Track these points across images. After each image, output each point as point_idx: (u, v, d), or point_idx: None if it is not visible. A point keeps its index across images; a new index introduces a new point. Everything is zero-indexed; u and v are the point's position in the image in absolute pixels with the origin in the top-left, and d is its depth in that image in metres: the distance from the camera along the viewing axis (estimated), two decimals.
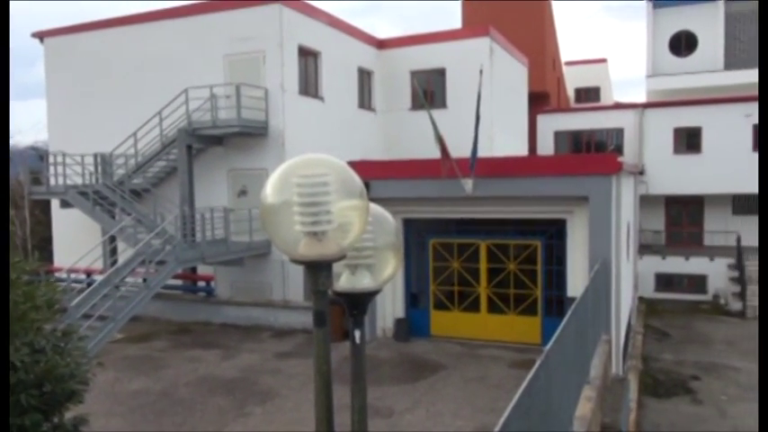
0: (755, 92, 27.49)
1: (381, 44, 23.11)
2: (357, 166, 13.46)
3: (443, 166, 12.90)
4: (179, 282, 18.13)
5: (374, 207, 2.81)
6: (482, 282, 14.85)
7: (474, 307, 15.01)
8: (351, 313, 2.83)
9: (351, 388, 2.88)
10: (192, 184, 17.68)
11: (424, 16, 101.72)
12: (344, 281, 2.81)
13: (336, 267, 2.72)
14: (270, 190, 2.45)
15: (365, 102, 22.43)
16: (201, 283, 18.49)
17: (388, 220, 2.86)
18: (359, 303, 2.82)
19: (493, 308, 14.87)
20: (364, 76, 22.34)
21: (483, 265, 14.81)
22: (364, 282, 2.79)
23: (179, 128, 17.18)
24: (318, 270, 2.48)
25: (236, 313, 17.14)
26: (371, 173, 14.48)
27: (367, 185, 11.40)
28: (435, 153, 13.49)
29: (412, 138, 20.92)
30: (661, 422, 13.76)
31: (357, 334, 2.82)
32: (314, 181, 2.42)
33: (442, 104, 22.10)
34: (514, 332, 14.45)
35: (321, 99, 19.57)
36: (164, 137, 17.51)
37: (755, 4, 30.54)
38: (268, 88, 17.66)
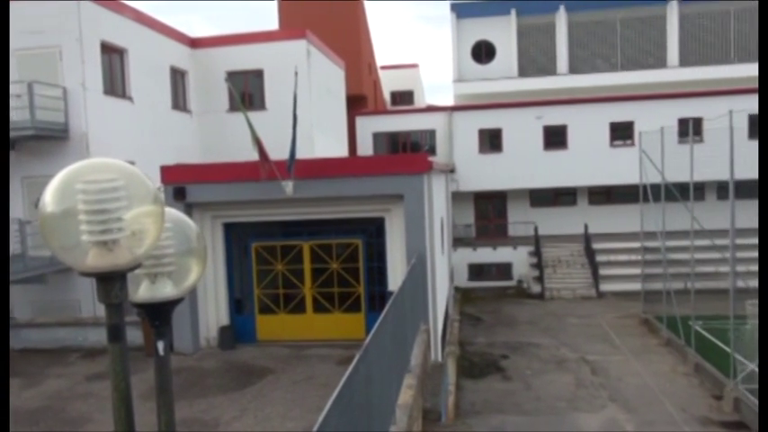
0: (545, 97, 30.90)
1: (195, 43, 22.25)
2: (172, 170, 12.93)
3: (262, 169, 12.78)
4: None
5: (173, 212, 2.71)
6: (306, 283, 14.95)
7: (300, 308, 15.06)
8: (152, 324, 2.70)
9: (156, 402, 2.76)
10: None
11: (242, 14, 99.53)
12: (144, 291, 2.67)
13: (136, 278, 2.59)
14: (49, 198, 2.25)
15: (179, 103, 21.45)
16: None
17: (188, 225, 2.77)
18: (161, 313, 2.71)
19: (318, 308, 15.03)
20: (177, 76, 21.35)
21: (307, 266, 14.91)
22: (165, 290, 2.68)
23: None
24: (110, 281, 2.33)
25: (39, 336, 15.46)
26: (188, 177, 13.92)
27: (183, 190, 11.06)
28: (256, 155, 13.32)
29: (231, 140, 20.42)
30: (476, 401, 14.92)
31: (160, 345, 2.70)
32: (101, 187, 2.26)
33: (261, 106, 21.86)
34: (340, 330, 14.73)
35: (130, 99, 18.35)
36: None
37: (545, 18, 34.24)
38: (67, 87, 16.15)
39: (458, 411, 14.07)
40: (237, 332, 14.96)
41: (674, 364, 16.97)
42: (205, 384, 12.33)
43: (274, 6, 31.00)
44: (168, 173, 13.70)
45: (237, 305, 15.30)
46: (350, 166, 14.38)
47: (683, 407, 13.98)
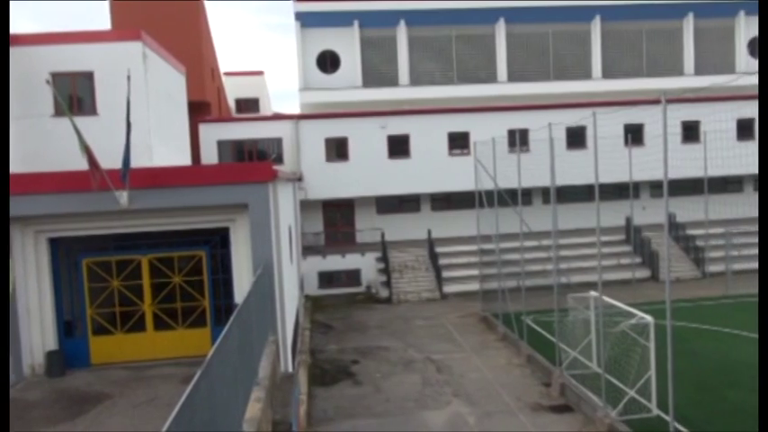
0: (389, 107, 31.94)
1: (13, 40, 20.12)
2: None
3: (93, 179, 11.89)
4: None
5: None
6: (146, 299, 14.13)
7: (139, 326, 14.20)
8: None
9: None
10: None
11: (72, 13, 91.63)
12: None
13: None
14: None
15: None
16: None
17: None
18: None
19: (160, 325, 14.27)
20: None
21: (146, 281, 14.10)
22: None
23: None
24: None
25: None
26: None
27: None
28: (85, 164, 12.35)
29: (57, 147, 18.66)
30: (328, 408, 14.99)
31: None
32: None
33: (92, 111, 20.29)
34: (185, 347, 14.10)
35: None
36: None
37: (387, 31, 35.38)
38: None
39: (310, 420, 14.04)
40: (68, 357, 13.74)
41: (509, 357, 18.28)
42: (30, 417, 11.18)
43: (106, 7, 29.06)
44: None
45: (67, 327, 14.07)
46: (191, 175, 13.82)
47: (517, 396, 15.11)
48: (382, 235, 29.35)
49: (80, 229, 13.56)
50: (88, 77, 20.69)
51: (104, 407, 11.58)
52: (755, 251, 28.37)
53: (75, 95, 20.46)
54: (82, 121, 13.42)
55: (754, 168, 27.35)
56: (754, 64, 36.60)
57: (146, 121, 19.75)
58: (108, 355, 14.06)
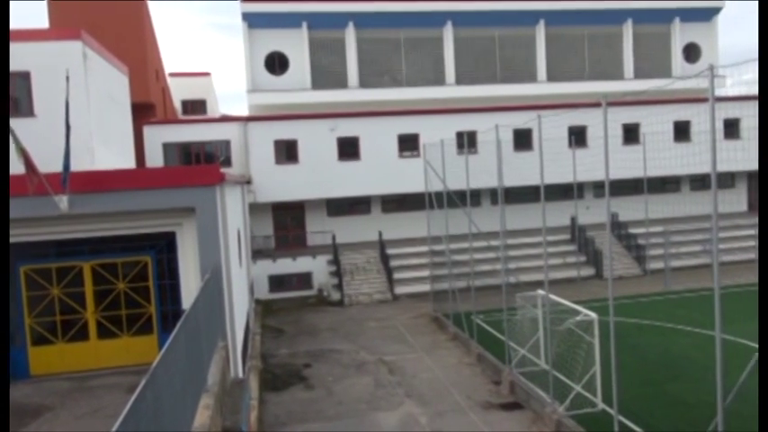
0: (338, 109, 31.89)
1: None
2: None
3: (30, 183, 11.43)
4: None
5: None
6: (89, 306, 13.67)
7: (82, 335, 13.72)
8: None
9: None
10: None
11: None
12: None
13: None
14: None
15: None
16: None
17: None
18: None
19: (104, 333, 13.83)
20: None
21: (89, 288, 13.64)
22: None
23: None
24: None
25: None
26: None
27: None
28: (21, 167, 11.86)
29: None
30: (280, 413, 14.84)
31: None
32: None
33: (29, 113, 19.52)
34: (131, 355, 13.70)
35: None
36: None
37: (335, 33, 35.32)
38: None
39: (261, 425, 13.87)
40: None
41: (460, 357, 18.50)
42: None
43: (44, 7, 28.04)
44: None
45: None
46: (135, 178, 13.43)
47: (468, 395, 15.30)
48: (333, 237, 29.26)
49: (17, 236, 12.98)
50: (25, 77, 19.89)
51: (45, 419, 11.13)
52: (692, 248, 29.61)
53: (11, 96, 19.64)
54: (18, 123, 12.89)
55: (689, 169, 28.56)
56: (688, 68, 38.20)
57: (86, 123, 19.12)
58: (48, 366, 13.53)
